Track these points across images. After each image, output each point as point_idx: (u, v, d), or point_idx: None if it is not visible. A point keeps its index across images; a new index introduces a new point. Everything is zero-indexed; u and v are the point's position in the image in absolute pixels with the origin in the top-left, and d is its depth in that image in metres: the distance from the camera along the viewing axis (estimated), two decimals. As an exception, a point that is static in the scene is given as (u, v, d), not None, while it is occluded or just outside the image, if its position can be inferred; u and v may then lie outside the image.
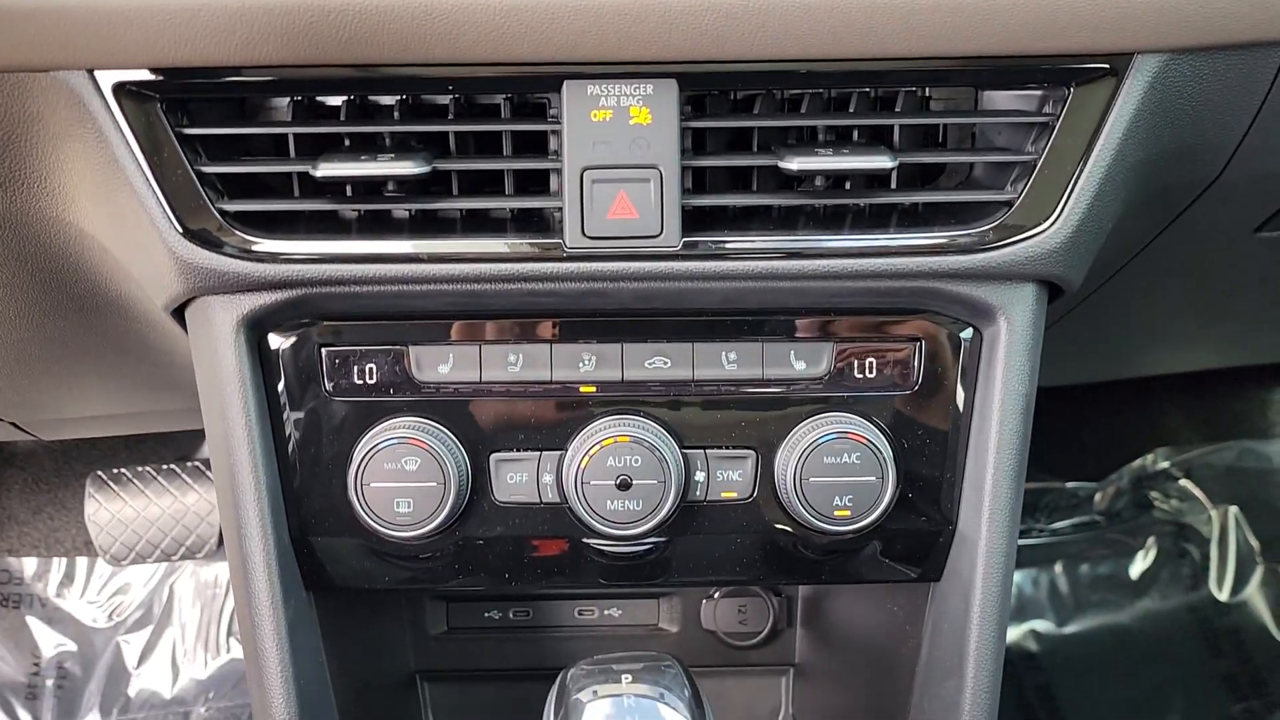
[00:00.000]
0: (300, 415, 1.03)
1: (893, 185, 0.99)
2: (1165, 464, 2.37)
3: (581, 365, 1.03)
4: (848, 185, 0.98)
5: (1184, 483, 2.35)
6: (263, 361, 1.02)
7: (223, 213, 0.95)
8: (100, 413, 1.53)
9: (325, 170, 0.93)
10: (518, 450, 1.04)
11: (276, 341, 1.02)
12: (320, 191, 0.97)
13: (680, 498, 1.01)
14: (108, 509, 2.10)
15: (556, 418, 1.03)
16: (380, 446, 1.00)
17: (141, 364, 1.32)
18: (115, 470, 2.10)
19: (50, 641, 2.29)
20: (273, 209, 0.96)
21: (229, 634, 2.30)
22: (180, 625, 2.30)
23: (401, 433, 1.00)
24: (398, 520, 1.00)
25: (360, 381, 1.03)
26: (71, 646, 2.28)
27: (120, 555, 2.09)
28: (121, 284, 1.10)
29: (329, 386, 1.03)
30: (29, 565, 2.33)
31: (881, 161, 0.94)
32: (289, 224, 0.97)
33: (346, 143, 0.98)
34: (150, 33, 0.88)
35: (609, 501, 1.00)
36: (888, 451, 1.02)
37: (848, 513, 1.01)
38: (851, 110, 0.99)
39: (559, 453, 1.03)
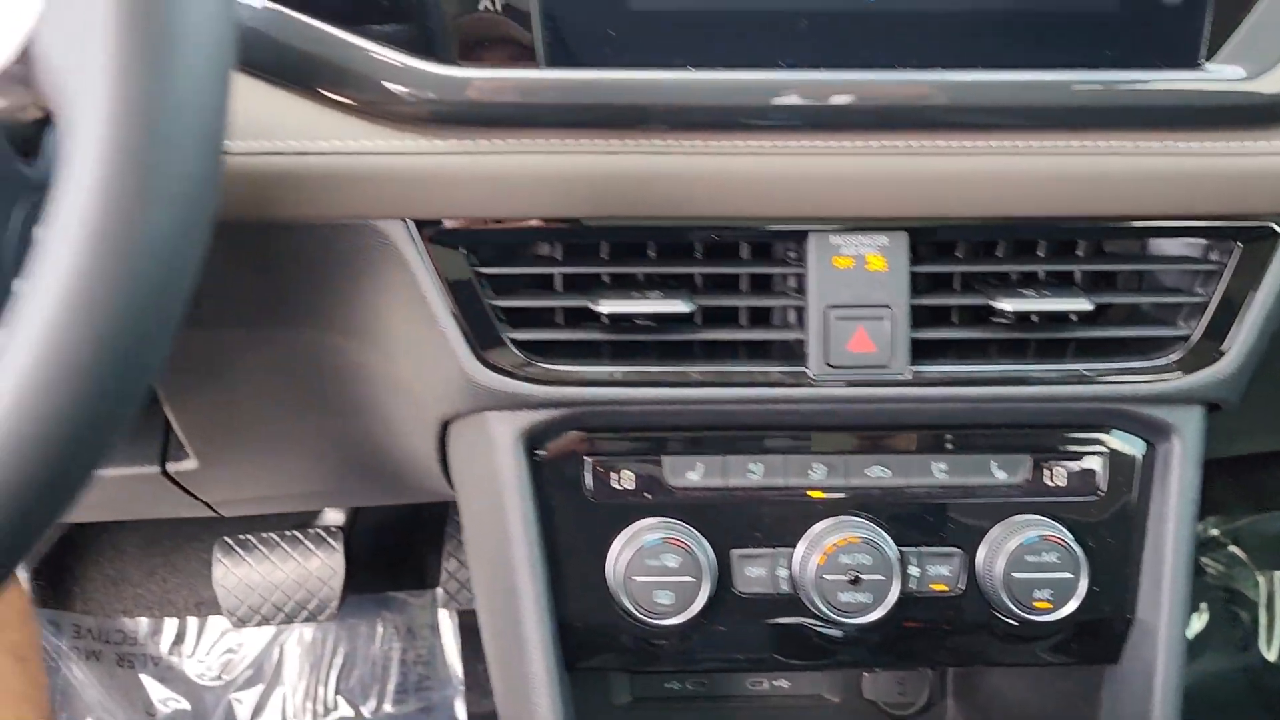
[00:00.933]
0: (566, 517, 1.16)
1: (1074, 319, 1.14)
2: (1215, 531, 2.52)
3: (811, 473, 1.17)
4: (1033, 319, 1.13)
5: (1232, 549, 2.51)
6: (531, 469, 1.16)
7: (512, 341, 1.09)
8: (283, 493, 1.66)
9: (609, 307, 1.07)
10: (755, 547, 1.18)
11: (545, 452, 1.16)
12: (577, 321, 1.11)
13: (900, 590, 1.16)
14: (234, 573, 2.20)
15: (789, 518, 1.17)
16: (644, 545, 1.14)
17: (350, 453, 1.45)
18: (241, 536, 2.21)
19: (164, 699, 2.38)
20: (556, 339, 1.10)
21: (336, 692, 2.40)
22: (290, 684, 2.40)
23: (661, 533, 1.14)
24: (657, 610, 1.14)
25: (619, 486, 1.16)
26: (185, 705, 2.38)
27: (246, 617, 2.20)
28: (375, 393, 1.23)
29: (591, 491, 1.17)
30: (143, 625, 2.43)
31: (1082, 304, 1.10)
32: (555, 349, 1.11)
33: (605, 279, 1.12)
34: (474, 194, 1.02)
35: (841, 594, 1.14)
36: (1079, 550, 1.17)
37: (1048, 605, 1.16)
38: (1041, 255, 1.14)
39: (790, 549, 1.17)
